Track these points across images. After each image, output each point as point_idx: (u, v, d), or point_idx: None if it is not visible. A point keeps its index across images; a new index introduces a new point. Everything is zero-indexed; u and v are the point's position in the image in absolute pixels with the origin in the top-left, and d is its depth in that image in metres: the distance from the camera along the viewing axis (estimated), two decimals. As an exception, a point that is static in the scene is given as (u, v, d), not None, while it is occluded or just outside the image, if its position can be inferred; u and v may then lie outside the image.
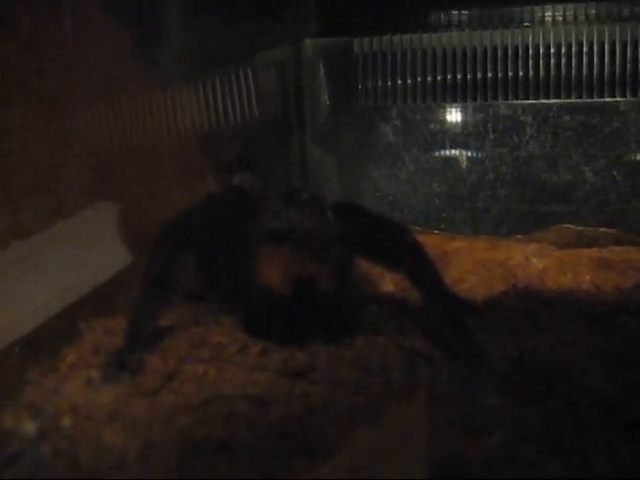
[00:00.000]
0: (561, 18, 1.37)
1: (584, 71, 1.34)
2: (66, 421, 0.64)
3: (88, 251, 1.04)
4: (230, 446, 0.59)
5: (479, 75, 1.39)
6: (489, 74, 1.39)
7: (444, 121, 1.44)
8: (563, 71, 1.35)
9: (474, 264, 1.02)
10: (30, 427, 0.63)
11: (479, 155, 1.41)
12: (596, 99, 1.35)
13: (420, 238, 0.91)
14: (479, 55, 1.39)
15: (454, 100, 1.42)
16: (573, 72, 1.35)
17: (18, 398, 0.70)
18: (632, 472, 0.58)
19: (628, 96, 1.33)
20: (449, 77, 1.41)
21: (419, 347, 0.82)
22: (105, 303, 0.97)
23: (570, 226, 1.24)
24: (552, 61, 1.36)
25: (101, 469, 0.58)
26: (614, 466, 0.58)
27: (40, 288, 0.91)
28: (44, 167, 1.09)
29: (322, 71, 1.51)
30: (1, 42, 1.00)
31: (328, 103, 1.51)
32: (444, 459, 0.58)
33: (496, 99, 1.39)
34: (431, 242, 1.02)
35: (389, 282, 1.00)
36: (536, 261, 1.01)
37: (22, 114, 1.03)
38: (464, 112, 1.42)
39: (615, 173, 1.35)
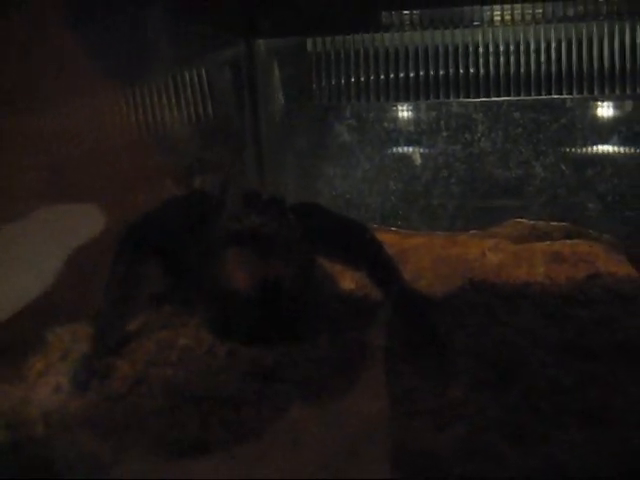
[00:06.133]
0: (509, 18, 1.40)
1: (532, 69, 1.38)
2: (38, 429, 0.64)
3: (39, 254, 1.03)
4: (206, 446, 0.60)
5: (431, 74, 1.42)
6: (441, 73, 1.42)
7: (398, 119, 1.46)
8: (512, 69, 1.39)
9: (432, 260, 1.05)
10: (2, 437, 0.63)
11: (433, 152, 1.44)
12: (544, 96, 1.39)
13: (379, 236, 0.94)
14: (431, 54, 1.42)
15: (407, 99, 1.44)
16: (522, 70, 1.38)
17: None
18: (589, 456, 0.61)
19: (574, 93, 1.37)
20: (402, 76, 1.44)
21: (382, 343, 0.84)
22: (63, 308, 0.96)
23: (523, 220, 1.27)
24: (502, 60, 1.39)
25: (76, 476, 0.58)
26: (572, 451, 0.61)
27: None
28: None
29: (276, 71, 1.52)
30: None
31: (282, 103, 1.53)
32: (413, 452, 0.60)
33: (448, 97, 1.42)
34: (390, 240, 1.04)
35: (350, 280, 1.02)
36: (492, 256, 1.04)
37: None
38: (417, 110, 1.45)
39: (564, 167, 1.39)
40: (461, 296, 0.97)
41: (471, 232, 1.25)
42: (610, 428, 0.64)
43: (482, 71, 1.40)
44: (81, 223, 1.07)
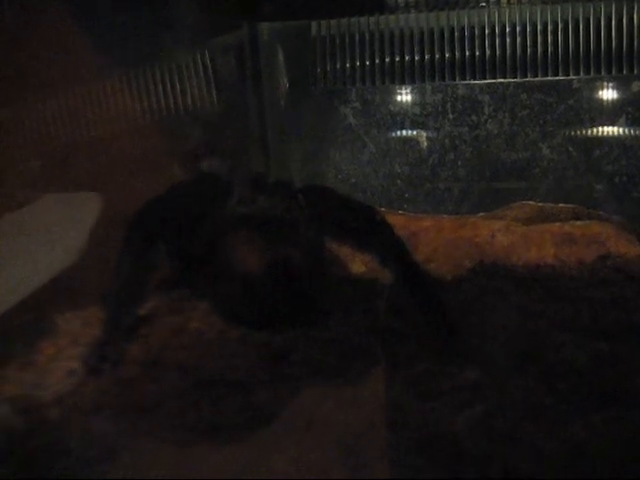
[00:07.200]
0: (515, -2, 1.39)
1: (539, 50, 1.37)
2: (53, 413, 0.64)
3: (49, 239, 1.02)
4: (219, 430, 0.60)
5: (437, 56, 1.41)
6: (447, 55, 1.40)
7: (403, 102, 1.45)
8: (519, 50, 1.37)
9: (442, 243, 1.04)
10: (17, 421, 0.62)
11: (439, 135, 1.43)
12: (551, 77, 1.37)
13: (388, 218, 0.93)
14: (436, 36, 1.41)
15: (412, 81, 1.43)
16: (528, 51, 1.37)
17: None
18: (606, 437, 0.60)
19: (581, 74, 1.36)
20: (407, 58, 1.42)
21: (393, 326, 0.83)
22: (69, 295, 0.95)
23: (531, 202, 1.26)
24: (508, 41, 1.38)
25: (92, 460, 0.58)
26: (589, 432, 0.60)
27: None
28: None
29: (280, 54, 1.51)
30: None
31: (286, 86, 1.51)
32: (429, 434, 0.59)
33: (454, 79, 1.41)
34: (398, 222, 1.03)
35: (359, 263, 1.02)
36: (502, 237, 1.03)
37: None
38: (423, 93, 1.44)
39: (571, 149, 1.38)
40: (472, 278, 0.97)
41: (479, 214, 1.24)
42: (627, 408, 0.63)
43: (488, 52, 1.39)
44: (89, 208, 1.06)
